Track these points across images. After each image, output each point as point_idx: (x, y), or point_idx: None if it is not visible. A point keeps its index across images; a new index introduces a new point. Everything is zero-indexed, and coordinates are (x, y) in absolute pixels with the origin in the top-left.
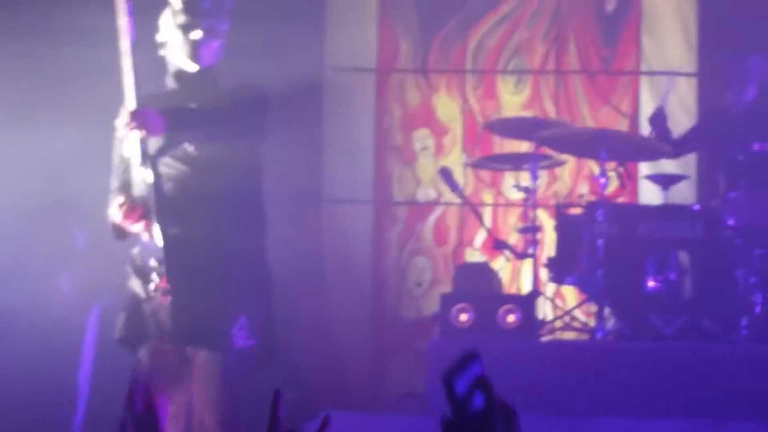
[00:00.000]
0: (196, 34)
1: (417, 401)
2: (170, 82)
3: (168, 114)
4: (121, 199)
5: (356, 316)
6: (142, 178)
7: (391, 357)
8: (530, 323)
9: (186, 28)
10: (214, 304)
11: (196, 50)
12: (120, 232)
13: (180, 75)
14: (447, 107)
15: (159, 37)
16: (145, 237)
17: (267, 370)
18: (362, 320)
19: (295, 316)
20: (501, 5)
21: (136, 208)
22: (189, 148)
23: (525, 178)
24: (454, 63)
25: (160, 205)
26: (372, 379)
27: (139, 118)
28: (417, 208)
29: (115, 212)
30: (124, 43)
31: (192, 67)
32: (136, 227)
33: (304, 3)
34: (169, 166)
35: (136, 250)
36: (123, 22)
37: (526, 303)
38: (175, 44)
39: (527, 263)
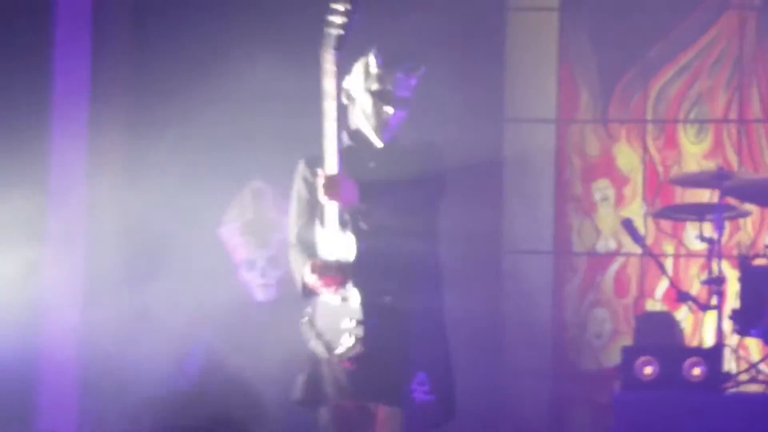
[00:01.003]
0: (389, 110)
1: None
2: (346, 138)
3: (364, 186)
4: (315, 262)
5: (536, 368)
6: (333, 240)
7: (571, 409)
8: (716, 376)
9: (379, 99)
10: (395, 360)
11: (386, 125)
12: (309, 292)
13: (359, 133)
14: (627, 157)
15: (346, 85)
16: (329, 297)
17: (446, 424)
18: (542, 372)
19: (474, 367)
20: (681, 55)
21: (332, 272)
22: (381, 213)
23: (708, 229)
24: (634, 113)
25: (357, 269)
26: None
27: (336, 186)
28: (597, 259)
29: (308, 274)
30: (330, 105)
31: (378, 142)
32: (331, 290)
33: (483, 56)
34: (362, 231)
35: (309, 310)
36: (330, 84)
37: (712, 355)
38: (364, 110)
39: (710, 314)
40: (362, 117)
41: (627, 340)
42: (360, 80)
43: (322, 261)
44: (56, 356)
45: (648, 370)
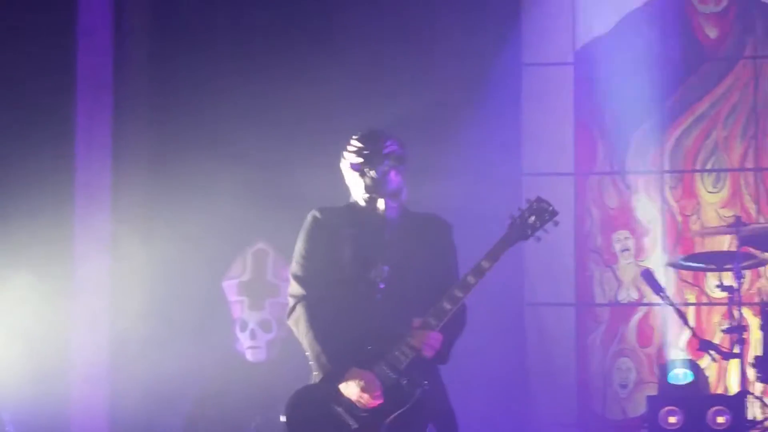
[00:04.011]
0: (381, 204)
1: None
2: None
3: (445, 333)
4: (363, 376)
5: (561, 418)
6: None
7: None
8: (740, 424)
9: (371, 186)
10: (410, 414)
11: (383, 205)
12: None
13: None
14: (646, 208)
15: (343, 166)
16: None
17: None
18: (567, 423)
19: (499, 420)
20: (697, 105)
21: (375, 388)
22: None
23: (728, 277)
24: (651, 163)
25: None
26: None
27: (429, 340)
28: (619, 309)
29: (352, 386)
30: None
31: (381, 213)
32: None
33: (500, 110)
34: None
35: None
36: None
37: (736, 403)
38: (358, 191)
39: (733, 362)
40: (363, 199)
41: (651, 390)
42: (349, 164)
43: (372, 375)
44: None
45: (673, 419)
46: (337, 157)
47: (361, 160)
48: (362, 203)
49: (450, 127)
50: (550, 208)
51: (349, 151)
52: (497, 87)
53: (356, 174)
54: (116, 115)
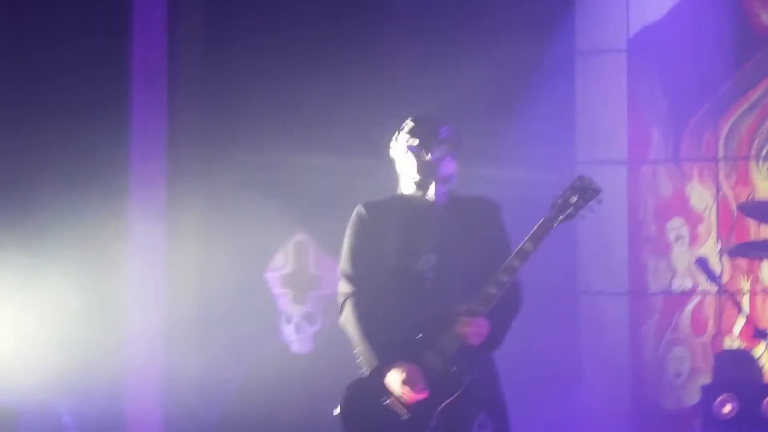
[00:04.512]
0: (432, 189)
1: None
2: (401, 195)
3: (492, 326)
4: (409, 369)
5: (615, 408)
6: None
7: None
8: None
9: (424, 170)
10: (459, 402)
11: (433, 191)
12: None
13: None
14: (700, 196)
15: (394, 149)
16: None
17: None
18: (621, 412)
19: (553, 408)
20: (752, 92)
21: (421, 382)
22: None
23: None
24: (705, 151)
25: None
26: None
27: (476, 327)
28: (673, 298)
29: (394, 379)
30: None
31: (430, 199)
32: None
33: (553, 99)
34: (429, 282)
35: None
36: None
37: None
38: (410, 174)
39: None
40: (412, 186)
41: (706, 379)
42: (403, 145)
43: (415, 368)
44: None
45: (727, 408)
46: (386, 146)
47: (417, 141)
48: (411, 189)
49: (503, 115)
50: (593, 185)
51: (404, 132)
52: (551, 75)
53: (410, 156)
54: (171, 104)
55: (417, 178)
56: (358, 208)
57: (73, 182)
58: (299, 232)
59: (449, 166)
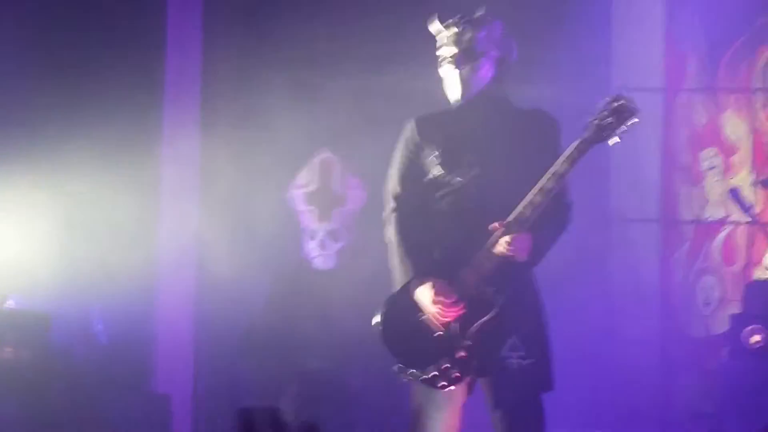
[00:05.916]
0: (454, 72)
1: (707, 421)
2: (451, 107)
3: (535, 239)
4: (440, 285)
5: (644, 335)
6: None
7: (679, 376)
8: None
9: (443, 63)
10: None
11: (456, 85)
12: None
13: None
14: (735, 126)
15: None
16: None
17: (547, 388)
18: (650, 340)
19: (582, 336)
20: None
21: (454, 303)
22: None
23: None
24: (742, 81)
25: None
26: (660, 398)
27: (517, 243)
28: (704, 227)
29: (425, 295)
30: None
31: (454, 101)
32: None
33: (590, 26)
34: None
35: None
36: None
37: None
38: (449, 87)
39: None
40: (443, 84)
41: (735, 308)
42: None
43: (448, 287)
44: (172, 317)
45: (755, 338)
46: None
47: (455, 50)
48: (456, 100)
49: (539, 43)
50: (630, 105)
51: (438, 46)
52: (587, 2)
53: (445, 69)
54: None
55: (454, 91)
56: (410, 123)
57: (109, 89)
58: (324, 148)
59: (486, 76)
